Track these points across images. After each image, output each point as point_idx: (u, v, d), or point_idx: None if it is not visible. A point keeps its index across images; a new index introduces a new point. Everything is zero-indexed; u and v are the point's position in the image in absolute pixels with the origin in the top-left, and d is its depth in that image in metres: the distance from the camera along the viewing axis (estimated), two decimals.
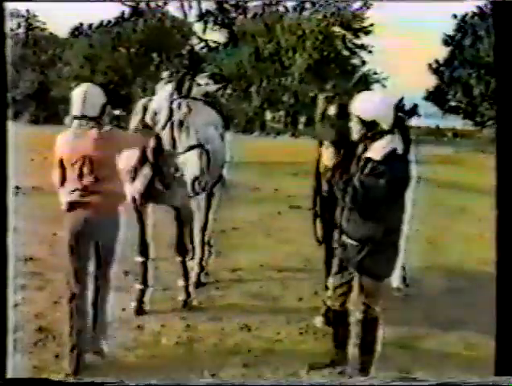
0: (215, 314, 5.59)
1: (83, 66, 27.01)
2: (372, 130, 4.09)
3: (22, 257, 6.79)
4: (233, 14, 28.72)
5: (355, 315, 4.31)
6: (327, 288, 5.03)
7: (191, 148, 4.86)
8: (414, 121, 21.29)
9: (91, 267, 4.58)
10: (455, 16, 25.42)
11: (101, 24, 28.22)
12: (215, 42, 28.98)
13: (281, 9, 27.81)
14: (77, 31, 28.55)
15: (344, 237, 4.28)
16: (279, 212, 10.10)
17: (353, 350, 4.39)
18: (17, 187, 10.22)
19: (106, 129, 4.48)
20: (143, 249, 5.62)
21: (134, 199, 5.43)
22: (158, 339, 5.06)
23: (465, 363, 4.75)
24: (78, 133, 4.41)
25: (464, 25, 25.53)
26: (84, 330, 4.51)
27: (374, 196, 4.02)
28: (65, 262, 4.50)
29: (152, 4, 28.15)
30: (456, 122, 26.59)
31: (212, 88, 5.09)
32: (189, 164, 4.86)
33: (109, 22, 28.09)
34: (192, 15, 28.40)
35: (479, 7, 24.33)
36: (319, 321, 5.34)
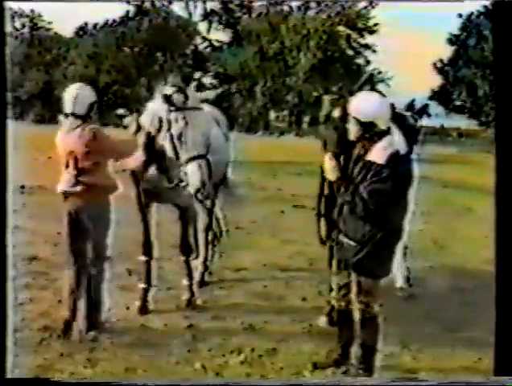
0: (219, 314, 5.59)
1: (87, 65, 27.09)
2: (369, 131, 4.09)
3: (27, 256, 6.82)
4: (238, 14, 28.74)
5: (353, 314, 4.30)
6: (331, 288, 5.04)
7: (190, 159, 4.91)
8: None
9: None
10: (460, 15, 25.39)
11: (105, 24, 28.29)
12: (219, 41, 29.00)
13: (285, 8, 27.83)
14: (82, 31, 28.63)
15: (341, 237, 4.29)
16: (283, 212, 10.10)
17: (356, 349, 4.39)
18: (22, 186, 10.31)
19: (91, 127, 4.83)
20: (147, 249, 5.63)
21: (139, 197, 5.47)
22: (162, 338, 5.07)
23: (469, 363, 4.74)
24: (68, 130, 4.88)
25: (469, 24, 25.49)
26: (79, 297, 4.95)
27: (381, 201, 4.02)
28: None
29: (157, 3, 28.20)
30: (461, 122, 26.57)
31: (211, 94, 5.08)
32: (190, 176, 4.92)
33: (114, 21, 28.16)
34: (197, 15, 28.45)
35: (485, 6, 24.28)
36: (323, 321, 5.34)
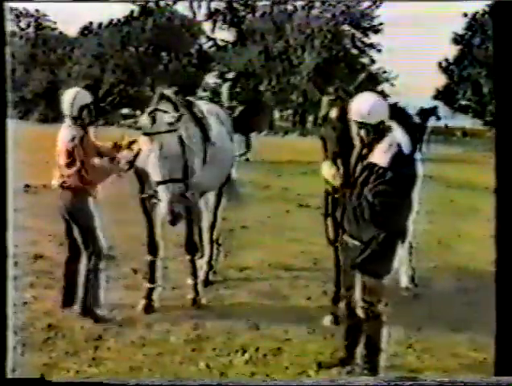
0: (223, 313, 5.59)
1: (92, 65, 27.09)
2: (369, 133, 4.08)
3: (32, 255, 6.84)
4: (242, 13, 28.70)
5: (358, 313, 4.30)
6: (338, 287, 5.04)
7: (159, 183, 5.00)
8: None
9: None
10: (465, 15, 25.31)
11: (110, 23, 28.28)
12: (224, 41, 28.98)
13: (290, 7, 27.78)
14: (87, 30, 28.63)
15: (346, 237, 4.29)
16: (288, 211, 10.09)
17: (361, 349, 4.39)
18: (26, 186, 10.32)
19: (78, 129, 5.23)
20: (152, 248, 5.64)
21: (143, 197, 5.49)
22: (167, 337, 5.07)
23: (473, 363, 4.73)
24: (63, 129, 5.34)
25: (474, 24, 25.41)
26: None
27: (386, 202, 4.01)
28: None
29: (161, 3, 28.21)
30: (466, 121, 26.48)
31: (170, 119, 5.03)
32: (160, 198, 5.05)
33: (119, 21, 28.15)
34: (201, 14, 28.42)
35: (490, 6, 24.20)
36: (327, 320, 5.34)
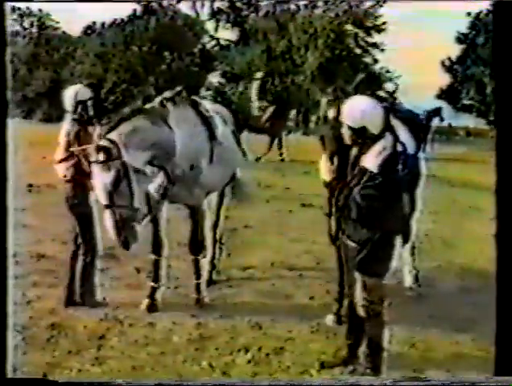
0: (226, 312, 5.59)
1: (95, 64, 27.11)
2: (361, 136, 4.08)
3: (35, 254, 6.84)
4: (245, 12, 28.69)
5: (359, 312, 4.30)
6: (341, 286, 5.03)
7: (105, 207, 4.83)
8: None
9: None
10: (468, 14, 25.26)
11: (113, 23, 28.29)
12: (227, 40, 28.97)
13: (293, 7, 27.74)
14: (90, 30, 28.64)
15: (344, 238, 4.30)
16: (291, 210, 10.09)
17: (363, 348, 4.38)
18: (29, 185, 10.33)
19: (75, 123, 5.40)
20: (157, 247, 5.64)
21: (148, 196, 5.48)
22: (170, 337, 5.08)
23: (477, 363, 4.72)
24: (63, 125, 5.49)
25: (477, 23, 25.36)
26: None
27: (374, 206, 4.02)
28: None
29: (164, 3, 28.22)
30: (469, 121, 26.42)
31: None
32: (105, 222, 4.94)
33: (122, 20, 28.16)
34: (204, 13, 28.41)
35: (493, 5, 24.15)
36: (330, 319, 5.33)
